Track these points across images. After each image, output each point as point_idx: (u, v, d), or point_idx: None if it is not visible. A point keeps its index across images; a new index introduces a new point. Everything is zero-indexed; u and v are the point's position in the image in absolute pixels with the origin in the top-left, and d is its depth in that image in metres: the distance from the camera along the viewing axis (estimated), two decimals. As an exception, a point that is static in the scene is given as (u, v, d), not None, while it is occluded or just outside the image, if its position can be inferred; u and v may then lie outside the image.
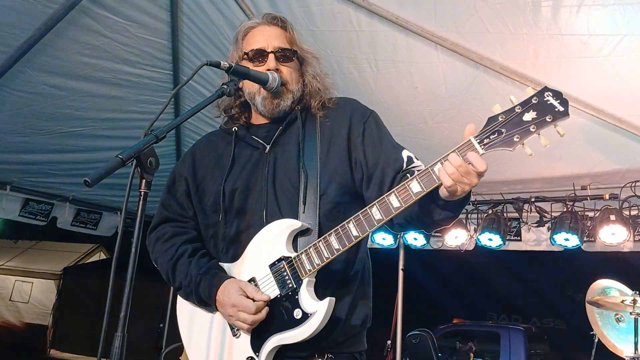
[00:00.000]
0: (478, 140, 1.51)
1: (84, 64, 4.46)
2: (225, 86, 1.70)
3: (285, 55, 1.88)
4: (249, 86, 1.88)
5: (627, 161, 4.69)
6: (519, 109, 1.50)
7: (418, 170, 1.65)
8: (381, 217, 1.59)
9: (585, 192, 4.97)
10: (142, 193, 1.39)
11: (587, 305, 4.18)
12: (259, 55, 1.87)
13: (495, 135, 1.49)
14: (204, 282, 1.81)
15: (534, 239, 5.46)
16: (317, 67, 1.97)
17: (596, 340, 4.21)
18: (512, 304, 13.28)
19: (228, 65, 1.69)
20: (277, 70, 1.85)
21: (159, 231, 1.96)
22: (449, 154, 1.54)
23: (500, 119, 1.50)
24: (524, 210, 5.35)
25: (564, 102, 1.48)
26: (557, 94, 1.49)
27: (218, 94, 1.67)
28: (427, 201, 1.62)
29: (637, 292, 3.79)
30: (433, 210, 1.66)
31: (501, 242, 5.28)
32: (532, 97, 1.50)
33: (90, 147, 5.54)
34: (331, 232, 1.66)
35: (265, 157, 1.89)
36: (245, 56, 1.89)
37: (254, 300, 1.69)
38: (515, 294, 13.44)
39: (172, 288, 1.91)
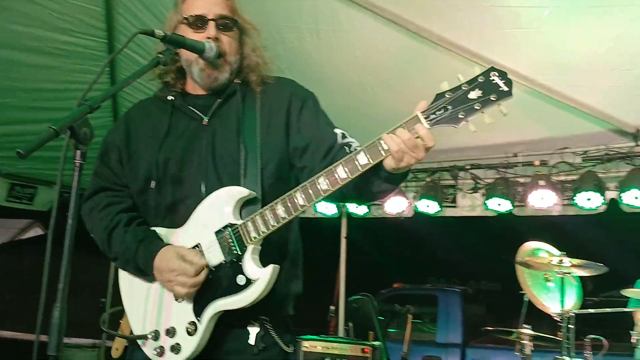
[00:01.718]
0: (425, 116, 1.56)
1: (14, 32, 4.23)
2: (160, 55, 1.67)
3: (226, 23, 1.85)
4: (186, 53, 1.85)
5: (556, 129, 4.94)
6: (466, 87, 1.55)
7: (352, 145, 1.74)
8: (328, 188, 1.63)
9: (517, 159, 5.22)
10: (77, 164, 1.35)
11: (517, 266, 4.41)
12: (199, 21, 1.83)
13: (442, 111, 1.55)
14: (140, 250, 1.81)
15: (469, 204, 5.68)
16: (257, 39, 1.95)
17: (526, 300, 4.44)
18: (450, 268, 13.83)
19: (163, 34, 1.65)
20: (216, 39, 1.82)
21: (94, 200, 1.92)
22: (396, 128, 1.59)
23: (447, 96, 1.56)
24: (459, 178, 5.55)
25: (509, 83, 1.55)
26: (503, 74, 1.56)
27: (153, 63, 1.65)
28: (369, 174, 1.66)
29: (564, 253, 4.01)
30: (373, 183, 1.71)
31: (438, 209, 5.47)
32: (478, 76, 1.55)
33: (22, 120, 5.30)
34: (278, 201, 1.68)
35: (203, 128, 1.88)
36: (185, 21, 1.85)
37: (192, 264, 1.70)
38: (453, 258, 14.02)
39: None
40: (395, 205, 5.69)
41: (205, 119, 1.89)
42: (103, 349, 6.43)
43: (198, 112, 1.91)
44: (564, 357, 3.73)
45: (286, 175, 1.89)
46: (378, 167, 1.64)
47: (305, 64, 4.50)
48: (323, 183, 1.63)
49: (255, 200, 1.77)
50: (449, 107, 1.54)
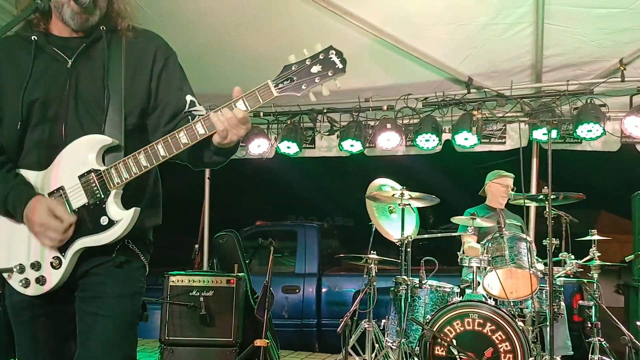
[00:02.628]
0: (274, 84, 1.74)
1: None
2: (39, 1, 1.69)
3: None
4: None
5: (402, 77, 5.35)
6: (309, 62, 1.74)
7: (198, 113, 1.90)
8: (187, 141, 1.79)
9: (368, 104, 5.63)
10: None
11: (367, 200, 4.90)
12: None
13: (288, 81, 1.74)
14: (10, 197, 1.86)
15: (326, 145, 6.08)
16: None
17: (374, 230, 4.95)
18: (308, 205, 14.54)
19: None
20: None
21: None
22: (235, 100, 1.77)
23: (293, 68, 1.74)
24: (317, 120, 5.88)
25: (344, 61, 1.75)
26: (339, 54, 1.76)
27: (32, 9, 1.67)
28: (202, 144, 1.84)
29: (405, 187, 4.55)
30: (204, 153, 1.90)
31: (298, 149, 5.79)
32: (319, 52, 1.74)
33: None
34: (140, 151, 1.81)
35: (67, 71, 1.92)
36: None
37: (62, 222, 1.80)
38: (312, 196, 14.72)
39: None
40: (258, 146, 5.92)
41: (70, 62, 1.92)
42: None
43: (62, 54, 1.93)
44: (403, 277, 4.31)
45: (142, 126, 1.99)
46: (209, 141, 1.83)
47: (166, 3, 4.46)
48: (183, 137, 1.80)
49: (117, 147, 1.88)
50: (295, 78, 1.74)
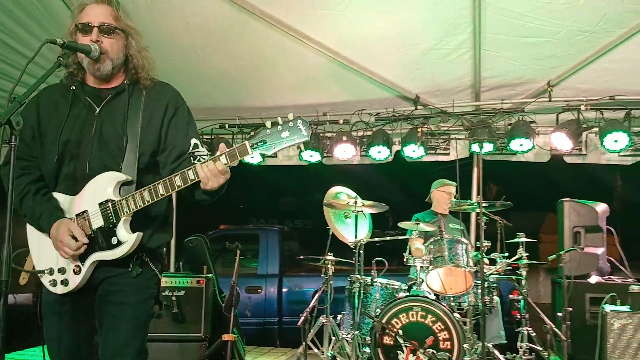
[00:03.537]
0: (250, 145, 2.11)
1: None
2: (61, 58, 2.12)
3: (107, 29, 2.30)
4: (79, 54, 2.28)
5: (356, 93, 5.83)
6: (280, 128, 2.11)
7: (200, 155, 2.33)
8: (180, 184, 2.20)
9: (326, 118, 6.10)
10: (13, 146, 1.80)
11: (324, 207, 5.34)
12: (86, 27, 2.28)
13: (261, 143, 2.10)
14: (43, 217, 2.31)
15: (287, 155, 6.50)
16: (140, 41, 2.41)
17: (330, 234, 5.38)
18: (270, 210, 14.92)
19: (62, 42, 2.09)
20: (98, 41, 2.27)
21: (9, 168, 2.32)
22: (218, 155, 2.15)
23: (267, 132, 2.11)
24: (279, 132, 6.28)
25: (308, 129, 2.11)
26: (305, 123, 2.11)
27: (57, 65, 2.09)
28: (196, 184, 2.23)
29: (358, 196, 5.02)
30: (196, 191, 2.30)
31: (261, 159, 6.21)
32: (289, 121, 2.10)
33: None
34: (146, 188, 2.23)
35: (94, 117, 2.36)
36: (76, 28, 2.29)
37: (76, 240, 2.23)
38: (273, 201, 15.10)
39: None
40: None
41: (97, 109, 2.36)
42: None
43: (93, 103, 2.37)
44: (357, 276, 4.77)
45: (154, 164, 2.42)
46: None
47: (138, 24, 4.80)
48: (178, 181, 2.21)
49: (131, 182, 2.31)
50: (267, 140, 2.11)
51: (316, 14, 4.78)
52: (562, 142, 5.42)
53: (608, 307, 4.28)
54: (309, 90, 5.89)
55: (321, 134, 6.17)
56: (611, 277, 5.19)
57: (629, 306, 4.26)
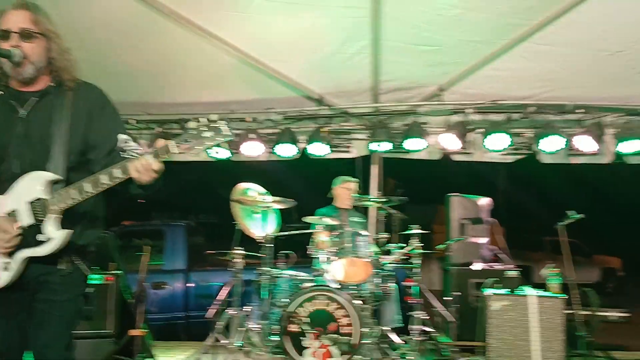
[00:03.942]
0: (176, 144, 2.22)
1: None
2: None
3: (26, 34, 2.34)
4: (1, 59, 2.32)
5: (264, 92, 6.01)
6: (204, 128, 2.23)
7: (130, 149, 2.43)
8: (106, 182, 2.30)
9: (234, 115, 6.23)
10: None
11: (232, 203, 5.49)
12: (5, 34, 2.33)
13: (185, 142, 2.22)
14: None
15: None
16: (61, 44, 2.45)
17: (238, 229, 5.53)
18: (175, 205, 14.69)
19: None
20: (18, 46, 2.32)
21: None
22: (145, 154, 2.26)
23: (190, 132, 2.22)
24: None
25: (230, 130, 2.24)
26: (227, 124, 2.23)
27: None
28: (129, 180, 2.32)
29: (267, 192, 5.23)
30: (130, 186, 2.38)
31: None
32: (213, 121, 2.22)
33: None
34: (71, 186, 2.30)
35: (21, 119, 2.40)
36: None
37: (6, 235, 2.29)
38: (178, 197, 14.86)
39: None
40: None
41: (23, 112, 2.41)
42: None
43: (18, 106, 2.42)
44: (265, 269, 4.98)
45: (84, 162, 2.48)
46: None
47: (60, 19, 4.69)
48: (104, 178, 2.30)
49: (61, 181, 2.36)
50: (190, 140, 2.23)
51: (225, 15, 4.91)
52: (451, 142, 5.93)
53: (488, 291, 4.81)
54: (218, 88, 6.00)
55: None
56: (492, 263, 5.79)
57: (506, 289, 4.81)
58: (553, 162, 6.21)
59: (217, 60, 5.45)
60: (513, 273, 4.87)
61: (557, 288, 4.73)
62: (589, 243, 19.15)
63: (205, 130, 2.25)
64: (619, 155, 5.96)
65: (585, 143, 5.71)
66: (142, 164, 2.26)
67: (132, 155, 2.38)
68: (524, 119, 5.85)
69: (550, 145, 5.75)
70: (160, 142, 2.31)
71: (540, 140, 5.76)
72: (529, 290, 4.63)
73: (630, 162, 6.11)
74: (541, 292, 4.62)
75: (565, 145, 5.70)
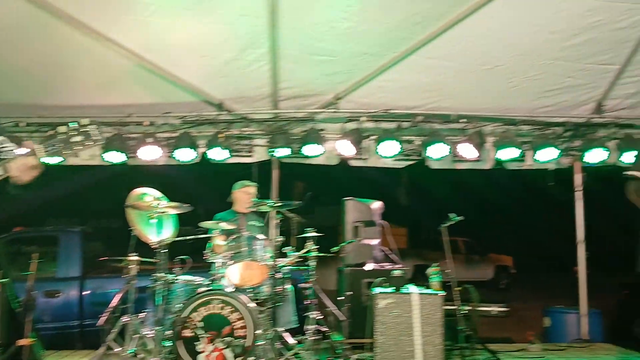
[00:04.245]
0: (44, 148, 2.25)
1: None
2: None
3: None
4: None
5: (162, 96, 6.00)
6: (73, 132, 2.29)
7: (5, 150, 2.42)
8: None
9: (131, 119, 6.15)
10: None
11: (127, 209, 5.39)
12: None
13: (53, 147, 2.25)
14: None
15: (92, 154, 6.29)
16: None
17: (133, 234, 5.44)
18: (73, 210, 14.08)
19: None
20: None
21: None
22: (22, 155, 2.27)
23: (59, 137, 2.26)
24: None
25: (100, 134, 2.30)
26: (97, 128, 2.30)
27: None
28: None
29: (163, 197, 5.20)
30: (9, 186, 2.40)
31: (61, 159, 6.00)
32: (82, 126, 2.29)
33: None
34: None
35: None
36: None
37: None
38: (76, 201, 14.28)
39: None
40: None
41: None
42: None
43: None
44: (160, 274, 4.93)
45: None
46: None
47: None
48: None
49: None
50: (59, 144, 2.27)
51: (121, 19, 4.89)
52: (346, 148, 6.18)
53: (376, 290, 5.08)
54: (114, 91, 5.92)
55: (125, 135, 6.19)
56: (384, 264, 6.09)
57: (392, 288, 5.09)
58: (441, 167, 6.64)
59: (113, 63, 5.40)
60: (399, 272, 5.17)
61: (438, 285, 5.08)
62: (484, 242, 20.44)
63: (74, 135, 2.28)
64: (498, 162, 6.48)
65: (467, 150, 6.15)
66: (22, 163, 2.25)
67: (8, 157, 2.35)
68: (413, 127, 6.21)
69: (437, 152, 6.15)
70: (28, 144, 2.31)
71: (428, 148, 6.15)
72: (412, 288, 4.94)
73: (509, 167, 6.67)
74: (423, 290, 4.95)
75: (449, 152, 6.12)
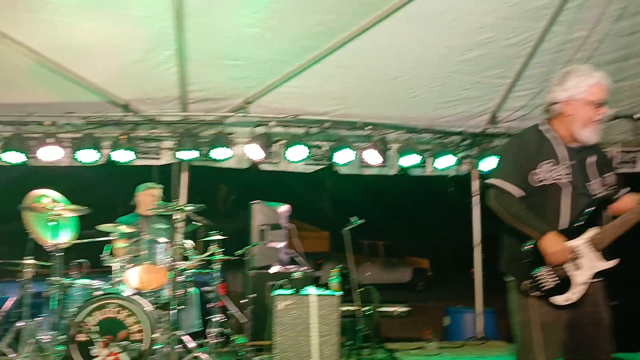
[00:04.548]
0: None
1: None
2: None
3: None
4: None
5: (65, 96, 5.85)
6: None
7: None
8: None
9: (31, 118, 5.88)
10: None
11: (23, 211, 5.19)
12: None
13: None
14: None
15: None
16: None
17: (30, 237, 5.22)
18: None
19: None
20: None
21: None
22: None
23: None
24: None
25: None
26: None
27: None
28: None
29: (63, 198, 5.06)
30: None
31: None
32: None
33: None
34: None
35: None
36: None
37: None
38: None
39: None
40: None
41: None
42: None
43: None
44: (56, 279, 4.79)
45: None
46: None
47: None
48: None
49: None
50: None
51: (19, 16, 4.77)
52: (255, 152, 6.25)
53: (277, 292, 5.18)
54: (13, 90, 5.74)
55: (25, 135, 5.97)
56: (289, 266, 6.20)
57: (293, 289, 5.21)
58: (349, 172, 6.85)
59: (10, 61, 5.24)
60: (298, 274, 5.30)
61: (337, 286, 5.24)
62: (403, 246, 21.08)
63: None
64: (402, 168, 6.76)
65: (372, 156, 6.38)
66: None
67: None
68: (322, 133, 6.37)
69: (344, 158, 6.35)
70: None
71: (335, 153, 6.33)
72: (310, 290, 5.08)
73: (412, 174, 6.97)
74: (320, 291, 5.10)
75: (355, 157, 6.33)
